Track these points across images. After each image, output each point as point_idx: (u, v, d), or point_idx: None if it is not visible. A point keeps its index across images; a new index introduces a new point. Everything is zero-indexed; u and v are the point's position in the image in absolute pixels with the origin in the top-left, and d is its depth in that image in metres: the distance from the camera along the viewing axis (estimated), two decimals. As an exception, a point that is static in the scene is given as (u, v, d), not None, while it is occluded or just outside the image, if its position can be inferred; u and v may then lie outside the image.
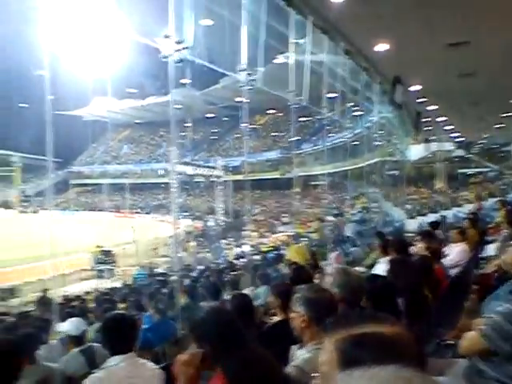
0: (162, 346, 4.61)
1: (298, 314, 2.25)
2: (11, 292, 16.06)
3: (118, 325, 2.74)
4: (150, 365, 2.75)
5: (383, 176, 26.55)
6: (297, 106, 12.72)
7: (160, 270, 17.27)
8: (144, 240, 26.46)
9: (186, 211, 37.94)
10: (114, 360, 2.60)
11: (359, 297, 2.76)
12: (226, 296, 5.23)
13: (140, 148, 65.63)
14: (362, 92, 14.41)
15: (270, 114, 55.07)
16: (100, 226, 39.03)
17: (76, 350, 4.14)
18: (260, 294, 5.84)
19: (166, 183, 32.80)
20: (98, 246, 22.01)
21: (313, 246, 11.34)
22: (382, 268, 4.35)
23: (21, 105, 62.30)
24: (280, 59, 17.94)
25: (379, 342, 0.78)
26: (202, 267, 15.49)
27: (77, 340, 4.39)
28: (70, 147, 54.61)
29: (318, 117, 34.74)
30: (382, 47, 9.93)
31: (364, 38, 9.56)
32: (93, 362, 3.80)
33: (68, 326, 4.54)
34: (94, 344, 4.17)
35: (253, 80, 10.40)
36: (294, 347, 2.39)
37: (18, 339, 2.70)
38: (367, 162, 26.90)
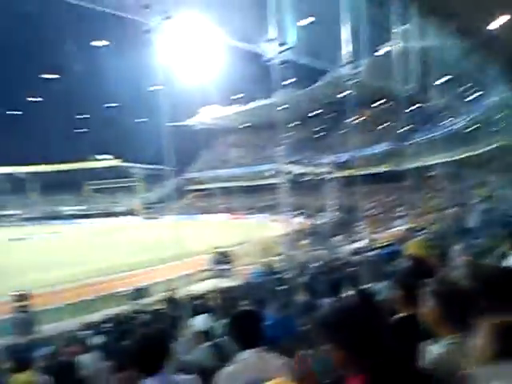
0: (285, 341, 4.70)
1: (429, 308, 2.17)
2: (142, 292, 17.45)
3: (246, 320, 2.86)
4: (279, 359, 2.78)
5: (506, 161, 24.30)
6: (405, 95, 12.24)
7: (276, 268, 17.57)
8: (258, 239, 27.16)
9: (297, 209, 38.11)
10: (243, 354, 2.71)
11: (492, 290, 2.58)
12: (346, 292, 5.19)
13: (247, 151, 67.41)
14: (476, 74, 13.38)
15: (376, 106, 53.32)
16: (216, 228, 40.94)
17: (205, 344, 4.40)
18: (380, 290, 5.70)
19: (275, 184, 33.30)
20: (216, 247, 23.06)
21: (433, 239, 10.77)
22: (514, 260, 4.03)
23: (139, 120, 67.80)
24: (384, 49, 17.35)
25: None
26: (317, 264, 15.47)
27: (205, 335, 4.68)
28: (183, 155, 57.98)
29: (428, 104, 32.84)
30: (498, 22, 9.10)
31: (478, 13, 8.85)
32: (221, 356, 4.00)
33: (197, 322, 4.86)
34: (222, 339, 4.39)
35: (357, 73, 10.23)
36: (424, 343, 2.31)
37: (155, 334, 2.94)
38: (487, 148, 24.82)
